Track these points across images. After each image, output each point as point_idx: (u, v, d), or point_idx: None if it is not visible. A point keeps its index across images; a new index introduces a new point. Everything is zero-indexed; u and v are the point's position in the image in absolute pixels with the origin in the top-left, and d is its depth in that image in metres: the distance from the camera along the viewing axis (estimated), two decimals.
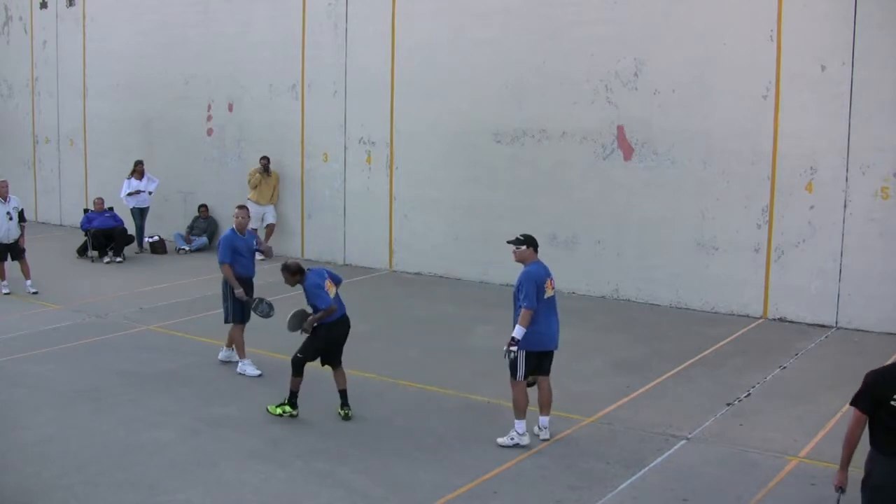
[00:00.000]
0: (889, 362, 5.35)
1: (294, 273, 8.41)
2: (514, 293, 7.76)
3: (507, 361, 7.64)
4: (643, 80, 12.48)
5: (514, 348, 7.53)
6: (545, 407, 7.88)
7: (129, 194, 17.03)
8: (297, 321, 8.44)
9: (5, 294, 13.36)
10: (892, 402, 5.03)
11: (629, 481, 7.05)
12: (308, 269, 8.58)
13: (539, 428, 7.84)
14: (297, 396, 8.37)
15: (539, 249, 7.95)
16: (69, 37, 19.52)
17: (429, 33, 14.36)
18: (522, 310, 7.53)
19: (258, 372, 9.67)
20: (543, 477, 7.14)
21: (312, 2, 15.59)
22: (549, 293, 7.77)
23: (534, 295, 7.56)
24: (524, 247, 7.87)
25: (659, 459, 7.46)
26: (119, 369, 9.90)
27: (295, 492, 6.92)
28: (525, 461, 7.45)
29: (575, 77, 13.01)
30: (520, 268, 7.94)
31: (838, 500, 5.36)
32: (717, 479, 7.11)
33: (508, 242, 7.99)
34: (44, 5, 19.93)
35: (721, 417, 8.40)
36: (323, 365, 8.53)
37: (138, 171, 17.08)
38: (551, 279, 7.86)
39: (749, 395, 9.00)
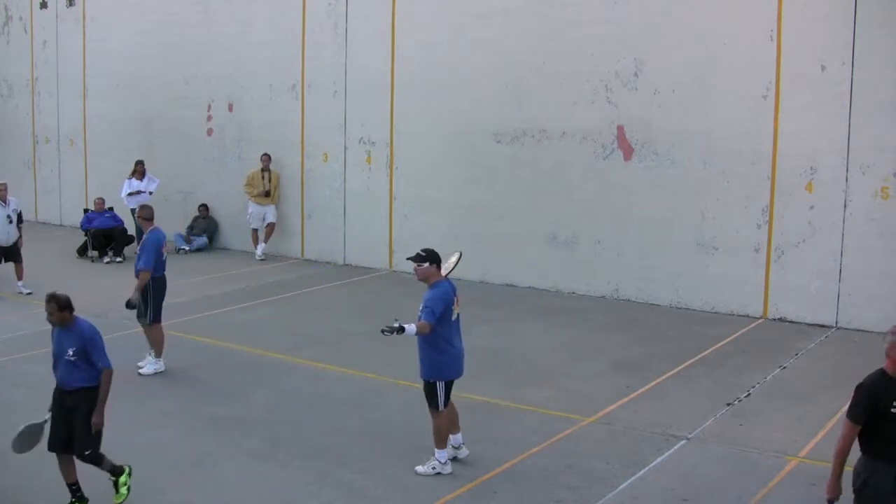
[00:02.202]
0: (873, 372, 5.36)
1: (63, 308, 6.55)
2: (418, 316, 7.07)
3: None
4: (643, 80, 12.48)
5: (392, 328, 6.76)
6: (455, 425, 7.46)
7: (130, 194, 17.02)
8: (31, 438, 6.67)
9: None
10: (893, 410, 5.11)
11: (629, 481, 7.05)
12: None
13: (455, 448, 7.45)
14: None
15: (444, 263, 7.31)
16: (69, 37, 19.52)
17: (429, 33, 14.36)
18: (422, 322, 6.91)
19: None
20: (543, 477, 7.14)
21: (312, 2, 15.59)
22: (456, 312, 7.23)
23: (439, 313, 6.97)
24: (426, 264, 7.14)
25: (659, 459, 7.46)
26: (119, 369, 9.86)
27: (295, 492, 6.92)
28: (525, 461, 7.45)
29: (575, 77, 13.01)
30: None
31: None
32: (717, 479, 7.10)
33: (408, 259, 7.33)
34: (44, 5, 19.93)
35: (721, 417, 8.40)
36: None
37: (139, 170, 17.05)
38: (457, 296, 7.27)
39: (749, 395, 9.00)
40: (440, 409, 7.20)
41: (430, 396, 7.22)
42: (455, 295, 7.22)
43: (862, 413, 5.17)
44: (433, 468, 7.23)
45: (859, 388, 5.26)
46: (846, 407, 5.33)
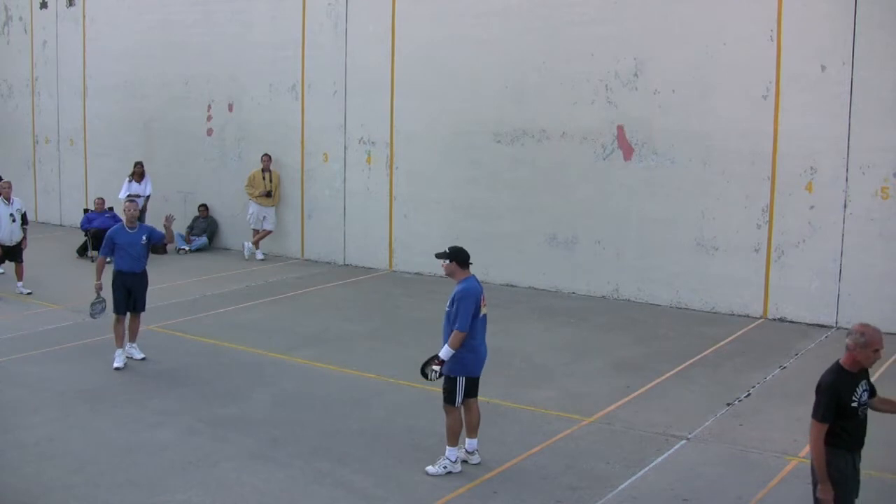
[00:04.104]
0: (830, 368, 5.45)
1: None
2: (447, 311, 7.15)
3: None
4: (643, 80, 12.48)
5: (436, 368, 7.00)
6: (473, 429, 7.36)
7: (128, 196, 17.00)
8: None
9: None
10: (853, 405, 5.33)
11: (629, 481, 7.05)
12: None
13: (468, 452, 7.34)
14: None
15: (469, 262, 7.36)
16: (69, 37, 19.52)
17: (429, 33, 14.36)
18: (455, 331, 6.98)
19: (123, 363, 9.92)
20: (543, 477, 7.14)
21: (312, 2, 15.59)
22: (483, 311, 7.21)
23: (471, 314, 7.01)
24: (448, 261, 7.27)
25: (659, 459, 7.46)
26: (120, 368, 9.90)
27: (295, 492, 6.92)
28: (525, 461, 7.45)
29: (575, 77, 13.01)
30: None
31: None
32: (717, 479, 7.11)
33: (437, 256, 7.38)
34: (44, 5, 19.94)
35: (721, 417, 8.40)
36: None
37: (137, 172, 17.04)
38: (484, 295, 7.24)
39: (749, 395, 9.00)
40: (456, 405, 7.19)
41: (449, 392, 7.20)
42: (483, 293, 7.24)
43: (829, 413, 5.32)
44: (444, 467, 7.18)
45: (821, 387, 5.40)
46: (815, 420, 5.38)
